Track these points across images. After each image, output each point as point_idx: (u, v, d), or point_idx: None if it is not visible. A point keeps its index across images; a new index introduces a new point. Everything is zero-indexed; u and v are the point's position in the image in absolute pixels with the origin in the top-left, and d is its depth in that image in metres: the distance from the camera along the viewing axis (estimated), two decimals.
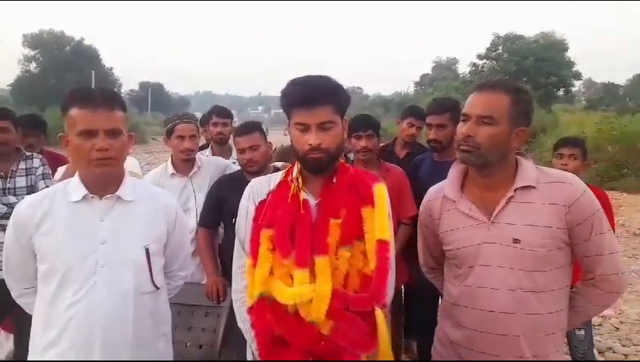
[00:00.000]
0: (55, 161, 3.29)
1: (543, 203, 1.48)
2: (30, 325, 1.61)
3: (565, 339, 2.74)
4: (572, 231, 1.48)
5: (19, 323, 2.83)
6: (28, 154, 2.91)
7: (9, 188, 2.75)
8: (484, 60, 30.85)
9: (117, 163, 1.54)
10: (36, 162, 2.89)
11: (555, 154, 2.98)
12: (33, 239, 1.56)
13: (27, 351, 1.59)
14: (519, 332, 1.48)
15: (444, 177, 2.55)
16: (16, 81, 38.22)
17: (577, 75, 30.21)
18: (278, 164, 2.69)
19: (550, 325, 1.50)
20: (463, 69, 37.25)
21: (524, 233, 1.47)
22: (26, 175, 2.82)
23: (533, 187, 1.50)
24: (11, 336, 3.12)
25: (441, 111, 2.77)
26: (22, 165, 2.82)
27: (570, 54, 29.45)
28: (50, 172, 2.94)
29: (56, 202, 1.58)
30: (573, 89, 32.47)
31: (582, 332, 2.75)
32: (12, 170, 2.78)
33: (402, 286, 2.72)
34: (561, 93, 30.65)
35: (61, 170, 2.93)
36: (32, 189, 2.74)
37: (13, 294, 1.70)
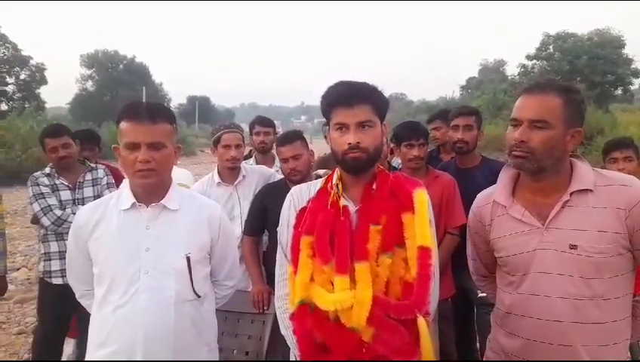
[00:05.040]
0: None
1: (601, 206, 1.41)
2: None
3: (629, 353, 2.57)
4: (633, 235, 1.40)
5: (82, 326, 2.98)
6: (93, 165, 3.11)
7: (78, 199, 2.95)
8: (534, 61, 29.77)
9: (159, 174, 1.60)
10: (101, 173, 3.08)
11: (607, 159, 2.84)
12: (88, 244, 1.65)
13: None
14: (578, 342, 1.41)
15: (468, 184, 2.52)
16: (74, 99, 40.60)
17: (636, 73, 28.53)
18: (321, 171, 2.69)
19: (612, 335, 1.42)
20: (511, 70, 36.14)
21: (582, 238, 1.41)
22: (93, 185, 3.02)
23: (590, 190, 1.43)
24: (71, 340, 3.27)
25: (469, 113, 2.86)
26: (88, 176, 3.02)
27: (628, 51, 27.92)
28: (114, 182, 3.11)
29: (109, 209, 1.67)
30: (632, 87, 30.70)
31: None
32: (79, 182, 2.98)
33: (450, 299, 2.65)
34: (618, 92, 29.08)
35: (126, 182, 3.07)
36: (98, 198, 2.90)
37: (76, 295, 1.81)
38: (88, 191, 2.98)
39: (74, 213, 2.81)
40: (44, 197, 2.84)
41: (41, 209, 2.81)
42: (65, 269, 2.76)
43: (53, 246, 2.89)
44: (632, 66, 28.00)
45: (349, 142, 1.41)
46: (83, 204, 2.88)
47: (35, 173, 2.98)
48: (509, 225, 1.54)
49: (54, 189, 2.91)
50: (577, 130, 1.46)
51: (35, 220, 2.96)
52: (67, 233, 2.74)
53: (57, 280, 2.86)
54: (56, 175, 2.95)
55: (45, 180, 2.91)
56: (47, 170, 2.97)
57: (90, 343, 1.64)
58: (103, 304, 1.61)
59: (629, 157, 2.76)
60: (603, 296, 1.40)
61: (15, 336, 4.17)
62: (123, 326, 1.57)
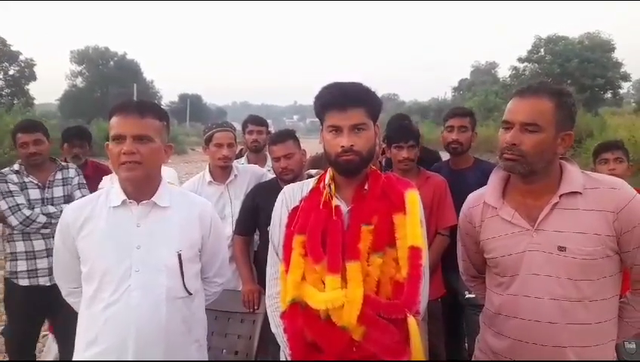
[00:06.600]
0: (99, 171, 3.42)
1: (589, 209, 1.43)
2: (73, 326, 1.68)
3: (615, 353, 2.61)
4: (621, 238, 1.42)
5: (58, 327, 2.97)
6: (64, 164, 3.01)
7: (47, 198, 2.84)
8: (526, 63, 30.08)
9: (144, 168, 1.58)
10: (72, 172, 2.97)
11: (597, 160, 2.86)
12: (76, 242, 1.63)
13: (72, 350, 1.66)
14: (566, 342, 1.42)
15: (460, 185, 2.54)
16: (63, 95, 40.17)
17: (626, 77, 28.96)
18: (312, 171, 2.69)
19: (599, 336, 1.44)
20: (503, 73, 36.52)
21: (570, 240, 1.42)
22: (63, 185, 2.90)
23: (579, 193, 1.45)
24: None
25: (464, 114, 2.90)
26: (58, 175, 2.91)
27: (618, 55, 28.32)
28: (85, 181, 3.01)
29: (99, 207, 1.66)
30: (622, 91, 31.16)
31: (632, 345, 2.61)
32: (49, 181, 2.87)
33: (440, 299, 2.67)
34: (608, 95, 29.47)
35: (106, 178, 3.03)
36: (68, 199, 2.85)
37: (63, 293, 1.79)
38: (58, 191, 2.87)
39: (43, 213, 2.76)
40: (12, 196, 2.72)
41: (9, 208, 2.70)
42: (32, 270, 2.75)
43: (20, 246, 2.77)
44: (622, 70, 28.40)
45: (342, 145, 1.42)
46: (52, 204, 2.82)
47: (3, 170, 2.85)
48: (498, 226, 1.55)
49: (23, 187, 2.79)
50: (568, 134, 1.47)
51: (1, 219, 2.80)
52: (34, 233, 2.74)
53: (24, 282, 2.77)
54: (25, 172, 2.82)
55: (14, 177, 2.79)
56: (16, 166, 2.84)
57: (79, 342, 1.63)
58: (93, 302, 1.60)
59: (620, 158, 2.79)
60: (591, 297, 1.42)
61: None
62: (114, 324, 1.56)
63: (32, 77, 32.64)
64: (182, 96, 59.42)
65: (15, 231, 2.77)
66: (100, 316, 1.57)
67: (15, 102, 27.30)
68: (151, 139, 1.58)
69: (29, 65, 32.39)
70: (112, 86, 38.03)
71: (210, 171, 2.91)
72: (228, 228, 2.72)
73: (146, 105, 1.64)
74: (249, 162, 3.52)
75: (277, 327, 1.53)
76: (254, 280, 2.60)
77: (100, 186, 2.93)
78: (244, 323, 2.49)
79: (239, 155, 3.69)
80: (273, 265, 1.60)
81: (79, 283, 1.68)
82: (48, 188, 2.86)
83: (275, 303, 1.56)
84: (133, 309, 1.56)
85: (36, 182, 2.83)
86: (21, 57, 32.11)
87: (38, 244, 2.77)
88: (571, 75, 26.85)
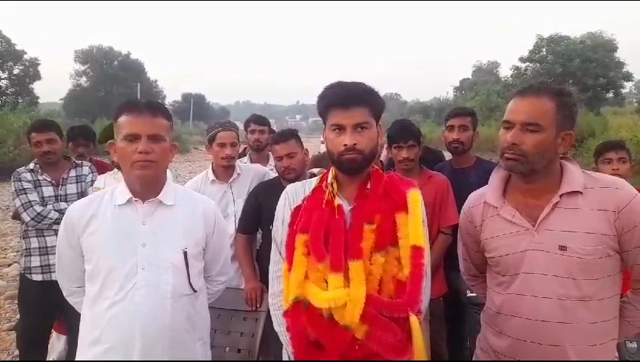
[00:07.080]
0: (103, 170, 3.45)
1: (590, 208, 1.43)
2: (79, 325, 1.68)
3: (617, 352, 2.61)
4: (621, 237, 1.42)
5: (69, 323, 2.98)
6: (78, 162, 3.08)
7: (60, 195, 2.91)
8: (527, 63, 30.03)
9: (157, 166, 1.60)
10: (85, 170, 3.05)
11: (601, 160, 2.86)
12: (81, 240, 1.64)
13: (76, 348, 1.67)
14: (566, 342, 1.43)
15: (462, 184, 2.54)
16: (67, 95, 40.30)
17: (628, 76, 28.90)
18: (315, 170, 2.70)
19: (600, 335, 1.44)
20: (505, 72, 36.49)
21: (571, 240, 1.42)
22: (77, 182, 2.98)
23: (580, 192, 1.45)
24: (63, 337, 3.27)
25: (465, 113, 2.93)
26: (72, 173, 2.99)
27: (620, 55, 28.25)
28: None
29: (103, 205, 1.67)
30: (624, 91, 31.07)
31: (634, 344, 2.61)
32: (63, 178, 2.95)
33: (442, 298, 2.68)
34: (610, 95, 29.40)
35: (101, 178, 3.07)
36: (82, 196, 2.89)
37: (64, 293, 1.79)
38: (72, 188, 2.95)
39: (55, 210, 2.82)
40: (25, 193, 2.81)
41: (22, 204, 2.79)
42: (45, 266, 2.81)
43: (34, 243, 2.86)
44: (624, 70, 28.33)
45: (345, 143, 1.43)
46: (66, 201, 2.88)
47: (19, 169, 2.95)
48: (499, 225, 1.56)
49: (37, 185, 2.88)
50: (568, 133, 1.48)
51: (17, 216, 2.94)
52: (47, 229, 2.80)
53: (37, 277, 2.84)
54: (39, 171, 2.91)
55: (28, 176, 2.89)
56: (31, 165, 2.94)
57: (82, 341, 1.63)
58: (97, 300, 1.60)
59: (623, 158, 2.79)
60: (591, 296, 1.42)
61: (5, 333, 4.14)
62: (119, 322, 1.57)
63: (37, 76, 32.75)
64: (185, 96, 59.53)
65: (29, 228, 2.85)
66: (105, 314, 1.58)
67: (20, 101, 27.41)
68: (163, 139, 1.60)
69: (34, 64, 32.51)
70: (116, 85, 38.16)
71: (213, 170, 2.92)
72: (231, 227, 2.73)
73: (156, 105, 1.66)
74: (252, 161, 3.53)
75: (280, 326, 1.54)
76: (257, 279, 2.62)
77: (95, 185, 2.98)
78: (247, 321, 2.50)
79: (242, 154, 3.70)
80: (276, 263, 1.61)
81: (81, 283, 1.68)
82: (62, 185, 2.93)
83: (277, 301, 1.57)
84: (139, 307, 1.57)
85: (50, 179, 2.91)
86: (25, 56, 32.27)
87: (51, 240, 2.82)
88: (573, 75, 26.82)
